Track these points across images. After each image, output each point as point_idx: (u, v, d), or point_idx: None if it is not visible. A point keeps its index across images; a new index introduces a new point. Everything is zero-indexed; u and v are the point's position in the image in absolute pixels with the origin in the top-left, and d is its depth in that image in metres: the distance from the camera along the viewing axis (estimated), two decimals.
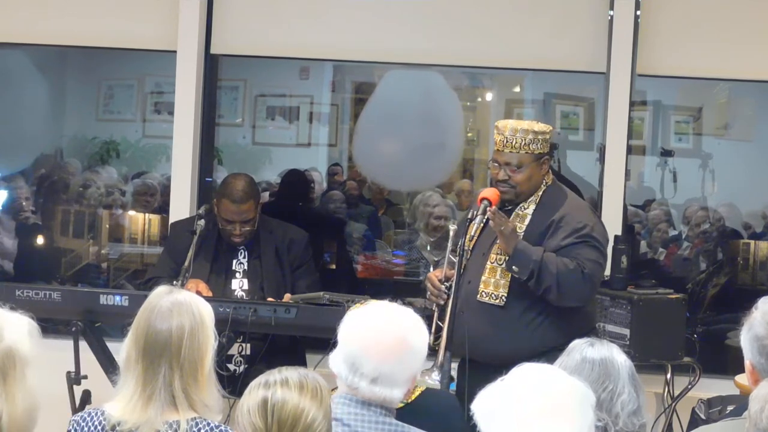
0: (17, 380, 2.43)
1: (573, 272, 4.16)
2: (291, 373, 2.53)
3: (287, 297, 4.69)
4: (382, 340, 2.89)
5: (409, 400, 3.41)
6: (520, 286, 4.22)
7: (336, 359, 2.94)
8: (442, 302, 4.22)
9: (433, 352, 4.04)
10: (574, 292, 4.20)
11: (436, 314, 4.24)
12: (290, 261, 4.92)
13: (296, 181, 6.82)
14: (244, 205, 4.79)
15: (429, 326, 3.97)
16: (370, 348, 2.88)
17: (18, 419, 2.41)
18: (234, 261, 4.91)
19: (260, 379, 2.53)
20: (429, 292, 4.31)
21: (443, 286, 4.24)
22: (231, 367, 4.67)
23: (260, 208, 4.94)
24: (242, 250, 4.92)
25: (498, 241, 4.24)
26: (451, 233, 4.35)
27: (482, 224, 4.31)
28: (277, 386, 2.49)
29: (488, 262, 4.29)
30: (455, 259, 4.24)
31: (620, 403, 2.88)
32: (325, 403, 2.51)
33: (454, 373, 4.21)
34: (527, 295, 4.22)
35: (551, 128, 4.48)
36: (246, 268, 4.90)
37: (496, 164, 4.35)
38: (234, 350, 4.62)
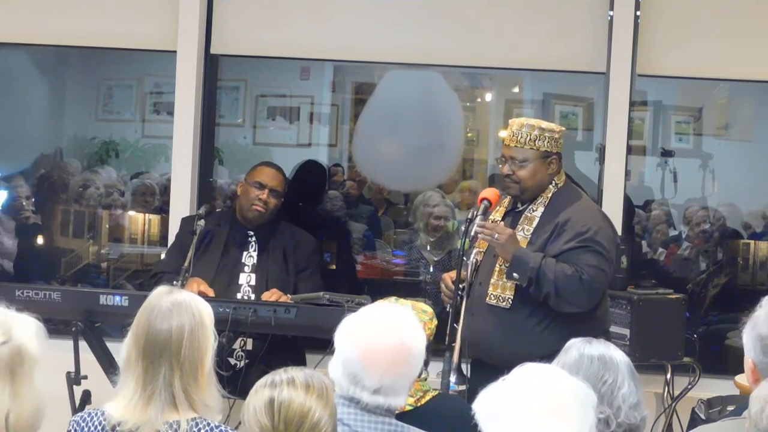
0: (25, 379, 2.44)
1: (571, 278, 4.13)
2: (297, 372, 2.54)
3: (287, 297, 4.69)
4: (382, 353, 2.85)
5: (419, 404, 3.40)
6: (526, 290, 4.21)
7: (335, 371, 2.91)
8: (456, 302, 4.21)
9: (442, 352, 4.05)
10: (572, 298, 4.17)
11: (451, 315, 4.19)
12: (295, 263, 4.94)
13: (313, 171, 6.75)
14: (279, 174, 4.98)
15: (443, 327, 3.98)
16: (370, 361, 2.85)
17: (25, 418, 2.43)
18: (244, 253, 4.92)
19: (266, 378, 2.54)
20: (443, 293, 4.32)
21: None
22: (232, 361, 4.67)
23: (281, 201, 5.01)
24: (253, 244, 4.93)
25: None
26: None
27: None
28: (284, 385, 2.50)
29: (497, 265, 4.28)
30: (466, 260, 4.24)
31: (621, 396, 2.86)
32: (331, 402, 2.53)
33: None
34: (533, 298, 4.21)
35: (562, 128, 4.43)
36: (255, 262, 4.91)
37: (503, 159, 4.34)
38: (236, 344, 4.63)
